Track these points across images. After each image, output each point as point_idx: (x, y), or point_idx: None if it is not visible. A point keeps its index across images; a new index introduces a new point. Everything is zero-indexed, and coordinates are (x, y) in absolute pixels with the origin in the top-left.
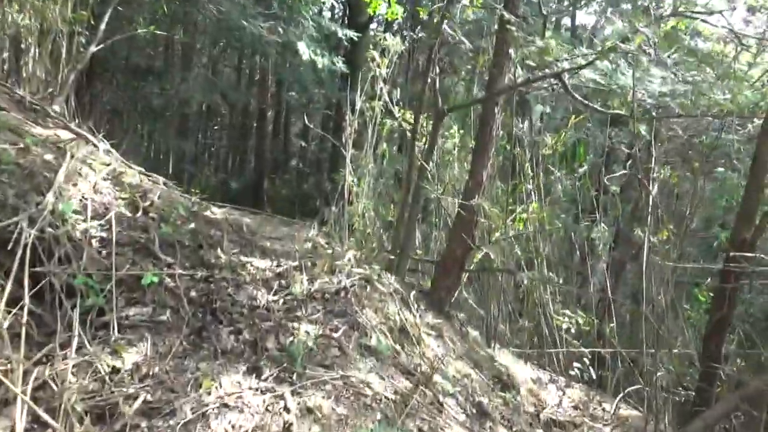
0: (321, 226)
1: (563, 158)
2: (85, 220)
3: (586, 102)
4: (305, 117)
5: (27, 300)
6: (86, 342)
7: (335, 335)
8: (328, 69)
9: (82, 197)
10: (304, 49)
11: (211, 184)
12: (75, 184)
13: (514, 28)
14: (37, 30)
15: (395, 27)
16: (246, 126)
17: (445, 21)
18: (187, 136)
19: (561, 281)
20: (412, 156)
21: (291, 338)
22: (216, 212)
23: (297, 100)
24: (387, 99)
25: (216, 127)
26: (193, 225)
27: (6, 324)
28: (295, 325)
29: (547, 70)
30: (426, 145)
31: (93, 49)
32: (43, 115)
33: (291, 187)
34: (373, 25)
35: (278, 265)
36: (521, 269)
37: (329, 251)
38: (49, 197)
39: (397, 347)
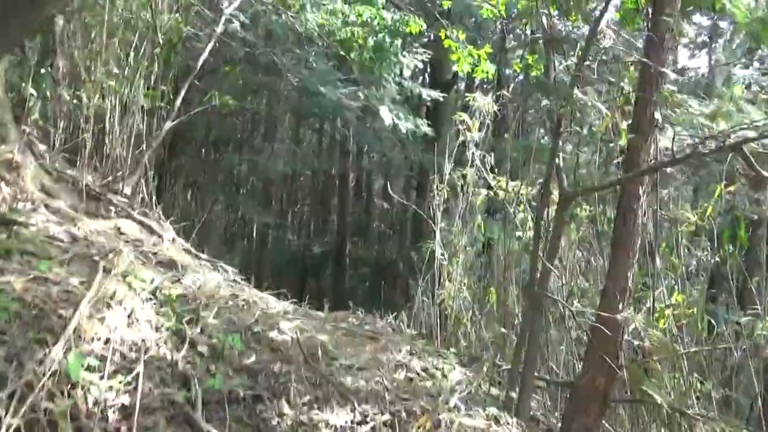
0: (409, 320)
1: (711, 235)
2: (103, 377)
3: None
4: (387, 184)
5: None
6: None
7: None
8: (410, 132)
9: (107, 339)
10: (386, 114)
11: (293, 250)
12: (102, 319)
13: (668, 87)
14: (117, 109)
15: (483, 85)
16: (327, 190)
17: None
18: (271, 203)
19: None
20: (535, 254)
21: None
22: (284, 330)
23: (378, 163)
24: (480, 165)
25: (298, 193)
26: (253, 358)
27: None
28: None
29: (716, 139)
30: (544, 238)
31: (168, 125)
32: (107, 204)
33: (374, 250)
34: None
35: (363, 421)
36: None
37: (428, 383)
38: (56, 351)
39: None
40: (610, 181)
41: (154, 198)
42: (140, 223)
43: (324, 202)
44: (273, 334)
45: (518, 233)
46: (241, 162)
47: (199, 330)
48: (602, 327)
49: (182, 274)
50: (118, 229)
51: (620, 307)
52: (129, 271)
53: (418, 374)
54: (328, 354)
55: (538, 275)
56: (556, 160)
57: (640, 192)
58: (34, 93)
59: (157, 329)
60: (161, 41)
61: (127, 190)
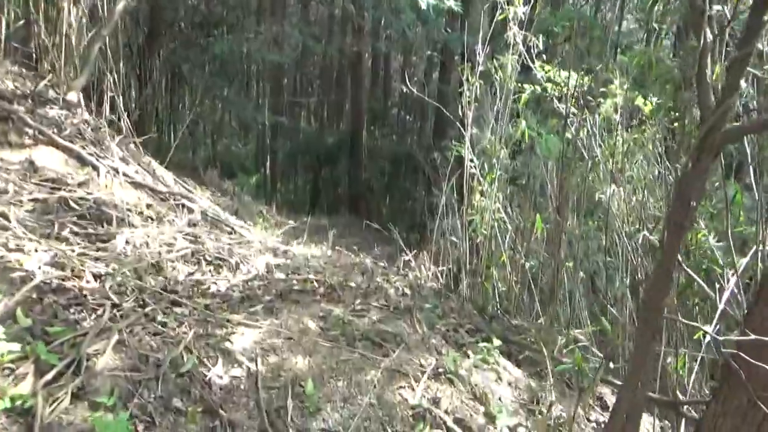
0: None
1: None
2: None
3: None
4: (405, 77)
5: None
6: None
7: None
8: (432, 7)
9: None
10: None
11: (306, 139)
12: None
13: None
14: None
15: None
16: (341, 73)
17: None
18: (281, 90)
19: None
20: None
21: None
22: (239, 352)
23: (396, 42)
24: (524, 52)
25: (309, 77)
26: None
27: None
28: None
29: None
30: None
31: (121, 5)
32: (20, 126)
33: (391, 140)
34: None
35: None
36: None
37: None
38: None
39: None
40: None
41: (119, 103)
42: (67, 151)
43: (337, 86)
44: (215, 370)
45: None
46: (238, 47)
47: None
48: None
49: (107, 233)
50: (31, 163)
51: None
52: None
53: (446, 427)
54: (306, 404)
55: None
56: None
57: None
58: None
59: None
60: None
61: (72, 97)
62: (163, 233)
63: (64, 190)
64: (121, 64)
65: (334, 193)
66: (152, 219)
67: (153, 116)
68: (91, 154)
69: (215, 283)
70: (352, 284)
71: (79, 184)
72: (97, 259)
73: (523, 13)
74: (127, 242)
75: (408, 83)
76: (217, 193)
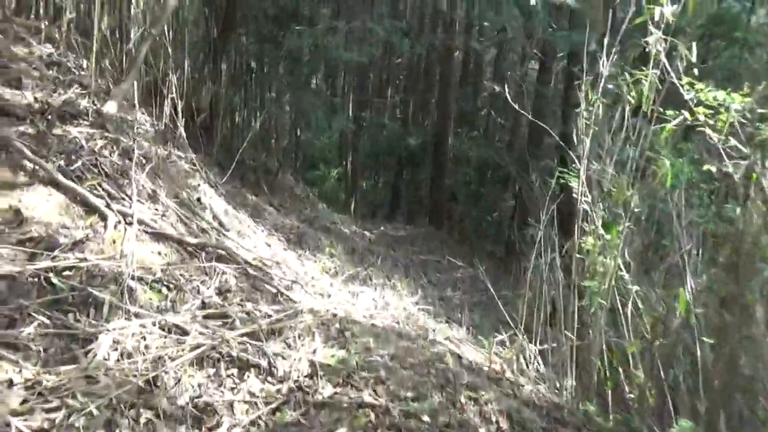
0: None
1: None
2: None
3: None
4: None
5: None
6: None
7: None
8: (541, 2)
9: None
10: None
11: (388, 137)
12: None
13: None
14: None
15: None
16: (428, 69)
17: None
18: (365, 85)
19: None
20: None
21: None
22: None
23: (490, 37)
24: (667, 65)
25: (394, 71)
26: None
27: None
28: None
29: None
30: None
31: (173, 1)
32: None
33: (479, 145)
34: None
35: None
36: None
37: None
38: None
39: None
40: None
41: (180, 105)
42: (69, 192)
43: (424, 83)
44: None
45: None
46: (314, 42)
47: None
48: None
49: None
50: (16, 212)
51: None
52: None
53: None
54: None
55: None
56: None
57: None
58: None
59: None
60: None
61: (110, 107)
62: (177, 316)
63: (48, 256)
64: (186, 63)
65: (415, 198)
66: (168, 289)
67: (223, 116)
68: (100, 196)
69: (230, 409)
70: (424, 416)
71: (74, 245)
72: (55, 389)
73: (672, 14)
74: (115, 344)
75: (502, 84)
76: (286, 204)
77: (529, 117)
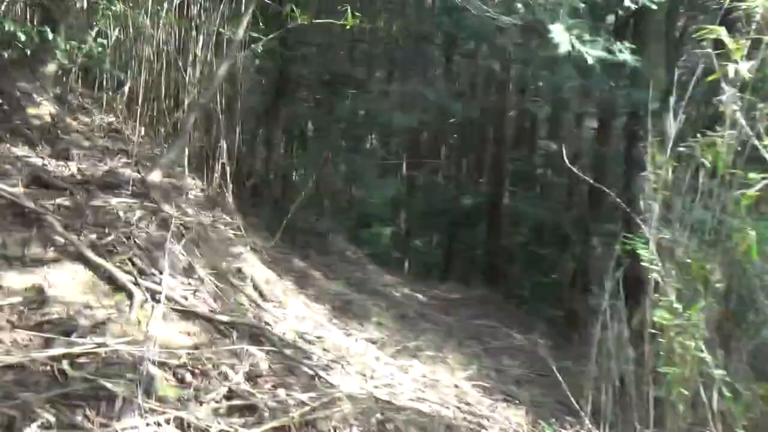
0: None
1: None
2: None
3: None
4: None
5: None
6: None
7: None
8: (598, 61)
9: None
10: (561, 35)
11: (442, 197)
12: None
13: None
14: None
15: None
16: (482, 129)
17: None
18: (418, 147)
19: None
20: None
21: None
22: None
23: (545, 96)
24: (745, 126)
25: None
26: None
27: None
28: None
29: None
30: None
31: (224, 69)
32: (47, 231)
33: (536, 206)
34: None
35: None
36: None
37: None
38: None
39: None
40: None
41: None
42: (97, 269)
43: (478, 143)
44: None
45: None
46: (364, 107)
47: None
48: None
49: None
50: (40, 291)
51: None
52: None
53: None
54: None
55: None
56: None
57: None
58: None
59: None
60: None
61: (155, 177)
62: (198, 409)
63: (66, 342)
64: (238, 129)
65: (470, 258)
66: (192, 375)
67: (274, 180)
68: (129, 271)
69: None
70: None
71: (93, 327)
72: None
73: (749, 70)
74: None
75: (558, 142)
76: (335, 267)
77: (590, 180)
